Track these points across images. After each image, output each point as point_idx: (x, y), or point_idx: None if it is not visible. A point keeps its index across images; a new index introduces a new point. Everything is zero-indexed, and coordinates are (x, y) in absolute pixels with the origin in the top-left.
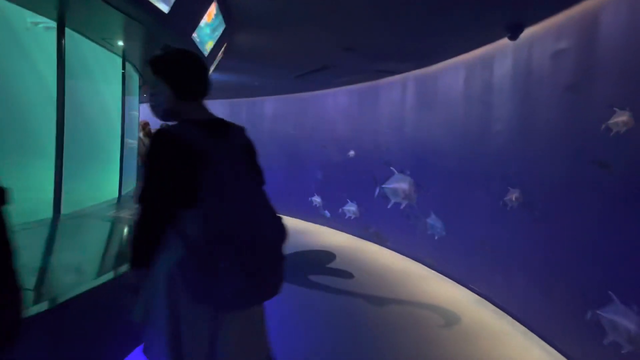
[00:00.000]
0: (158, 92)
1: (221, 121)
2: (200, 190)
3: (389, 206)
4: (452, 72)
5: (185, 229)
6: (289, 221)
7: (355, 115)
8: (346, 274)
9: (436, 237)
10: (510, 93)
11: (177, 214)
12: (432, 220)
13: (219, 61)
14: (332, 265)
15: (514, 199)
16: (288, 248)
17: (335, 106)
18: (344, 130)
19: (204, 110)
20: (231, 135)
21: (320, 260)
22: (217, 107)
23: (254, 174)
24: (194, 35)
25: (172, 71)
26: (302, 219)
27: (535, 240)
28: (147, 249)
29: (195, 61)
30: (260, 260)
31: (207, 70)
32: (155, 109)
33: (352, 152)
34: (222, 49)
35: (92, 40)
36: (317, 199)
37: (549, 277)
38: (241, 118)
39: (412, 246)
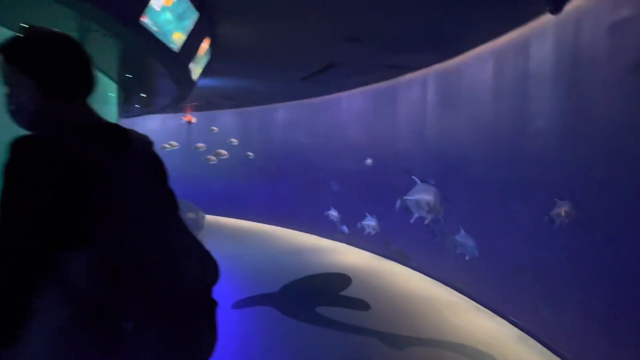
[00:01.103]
0: (19, 91)
1: (116, 127)
2: (91, 221)
3: (411, 220)
4: (479, 63)
5: (71, 278)
6: (304, 238)
7: (371, 119)
8: (361, 305)
9: (467, 257)
10: (553, 82)
11: (56, 257)
12: (462, 237)
13: (208, 62)
14: (346, 292)
15: (563, 213)
16: (299, 270)
17: (349, 110)
18: (359, 136)
19: (90, 112)
20: (132, 145)
21: (332, 287)
22: (225, 116)
23: (165, 197)
24: (145, 20)
25: (37, 59)
26: (318, 235)
27: (595, 268)
28: (13, 314)
29: (68, 44)
30: (182, 313)
31: (89, 58)
32: (17, 115)
33: (369, 160)
34: (206, 46)
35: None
36: (333, 213)
37: (613, 316)
38: (252, 127)
39: (440, 267)
